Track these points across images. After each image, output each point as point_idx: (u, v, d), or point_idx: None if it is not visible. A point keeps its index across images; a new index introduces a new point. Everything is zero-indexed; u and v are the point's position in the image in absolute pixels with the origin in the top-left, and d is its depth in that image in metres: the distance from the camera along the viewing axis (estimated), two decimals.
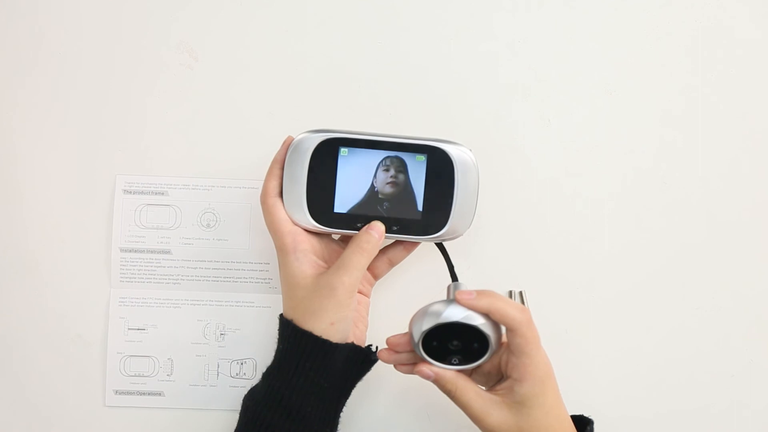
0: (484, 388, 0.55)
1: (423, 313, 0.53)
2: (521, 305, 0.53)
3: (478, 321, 0.52)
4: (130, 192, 0.67)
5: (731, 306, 0.67)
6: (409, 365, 0.55)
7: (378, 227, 0.57)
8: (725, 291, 0.67)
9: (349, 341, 0.56)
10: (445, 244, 0.59)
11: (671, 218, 0.68)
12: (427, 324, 0.52)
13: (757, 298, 0.67)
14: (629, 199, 0.68)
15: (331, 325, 0.54)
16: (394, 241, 0.61)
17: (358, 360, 0.57)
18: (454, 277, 0.57)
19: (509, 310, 0.51)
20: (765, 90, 0.68)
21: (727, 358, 0.67)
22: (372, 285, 0.62)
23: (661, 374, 0.67)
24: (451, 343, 0.53)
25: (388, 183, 0.57)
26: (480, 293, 0.52)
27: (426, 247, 0.60)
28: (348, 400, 0.58)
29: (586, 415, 0.57)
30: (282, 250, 0.57)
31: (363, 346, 0.58)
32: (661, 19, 0.68)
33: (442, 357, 0.53)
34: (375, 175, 0.57)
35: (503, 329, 0.53)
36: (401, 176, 0.57)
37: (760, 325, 0.67)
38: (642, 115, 0.68)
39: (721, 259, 0.67)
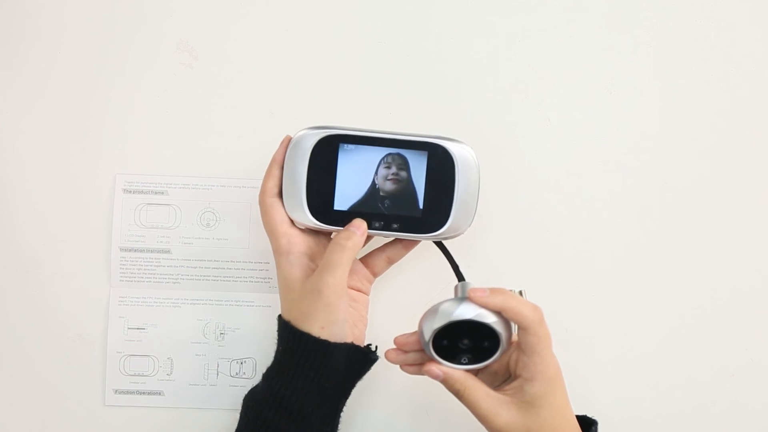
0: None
1: (434, 311, 0.52)
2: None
3: (490, 319, 0.52)
4: (130, 191, 0.67)
5: (731, 305, 0.67)
6: (416, 366, 0.55)
7: (359, 224, 0.56)
8: (725, 290, 0.67)
9: (348, 341, 0.55)
10: (445, 243, 0.58)
11: (671, 218, 0.67)
12: (439, 322, 0.51)
13: (757, 297, 0.67)
14: (629, 198, 0.68)
15: (321, 329, 0.54)
16: (393, 238, 0.60)
17: (358, 359, 0.56)
18: (460, 277, 0.56)
19: (522, 308, 0.51)
20: (766, 89, 0.68)
21: (727, 357, 0.67)
22: (371, 282, 0.61)
23: (661, 373, 0.67)
24: (461, 342, 0.53)
25: (389, 179, 0.57)
26: (493, 291, 0.52)
27: (425, 245, 0.60)
28: (348, 400, 0.58)
29: (587, 415, 0.57)
30: (276, 252, 0.57)
31: (362, 345, 0.57)
32: (662, 19, 0.68)
33: (451, 356, 0.53)
34: (376, 172, 0.57)
35: (514, 328, 0.53)
36: (403, 173, 0.57)
37: (760, 324, 0.67)
38: (642, 115, 0.68)
39: (721, 258, 0.67)
